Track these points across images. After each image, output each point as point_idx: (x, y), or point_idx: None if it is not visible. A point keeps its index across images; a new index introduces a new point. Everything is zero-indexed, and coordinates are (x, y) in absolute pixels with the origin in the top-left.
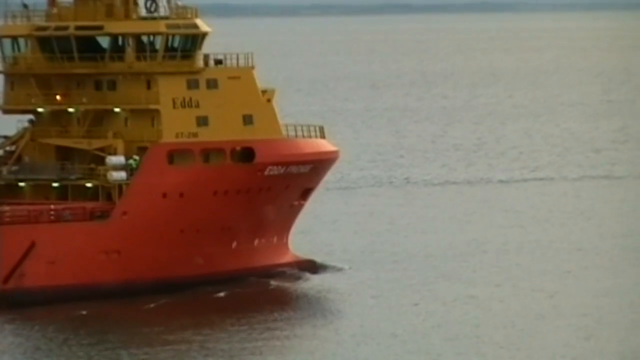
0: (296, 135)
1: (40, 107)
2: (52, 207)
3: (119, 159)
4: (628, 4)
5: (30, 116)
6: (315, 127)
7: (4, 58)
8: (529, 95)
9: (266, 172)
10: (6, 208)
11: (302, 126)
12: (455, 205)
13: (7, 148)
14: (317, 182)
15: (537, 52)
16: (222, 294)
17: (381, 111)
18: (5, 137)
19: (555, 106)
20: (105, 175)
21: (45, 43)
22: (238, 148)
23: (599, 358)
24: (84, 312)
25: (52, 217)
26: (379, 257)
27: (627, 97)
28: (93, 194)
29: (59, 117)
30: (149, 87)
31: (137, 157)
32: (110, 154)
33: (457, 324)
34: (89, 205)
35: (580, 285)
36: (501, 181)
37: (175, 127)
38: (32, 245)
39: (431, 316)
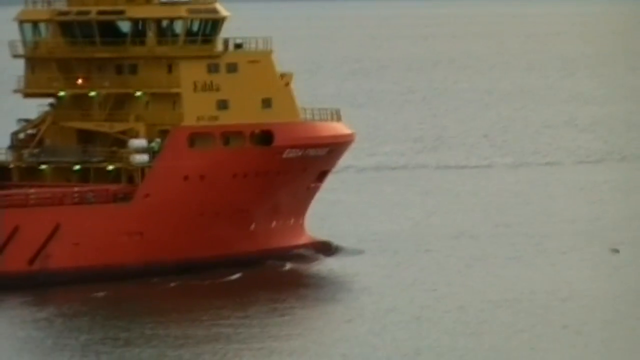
0: (313, 119)
1: (61, 91)
2: (76, 189)
3: (142, 142)
4: None
5: (51, 100)
6: (331, 110)
7: (24, 43)
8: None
9: (284, 155)
10: (31, 190)
11: (319, 109)
12: (472, 189)
13: (29, 131)
14: (333, 165)
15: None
16: (238, 275)
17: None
18: (27, 120)
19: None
20: (127, 158)
21: (66, 27)
22: (257, 131)
23: None
24: (102, 293)
25: (75, 200)
26: (395, 239)
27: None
28: (114, 177)
29: (80, 100)
30: (170, 71)
31: (158, 140)
32: (132, 137)
33: (474, 307)
34: (112, 187)
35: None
36: (509, 165)
37: (196, 111)
38: (57, 227)
39: (447, 299)
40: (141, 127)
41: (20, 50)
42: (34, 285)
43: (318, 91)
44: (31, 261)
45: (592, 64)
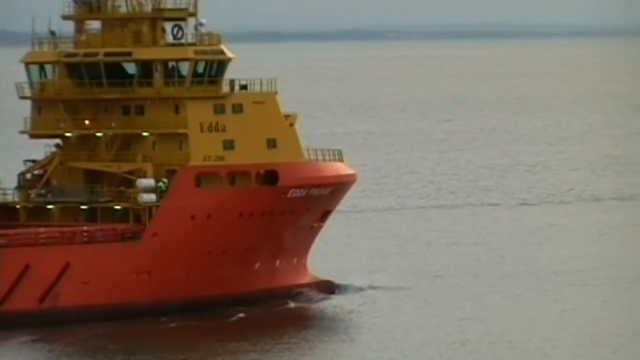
0: (316, 159)
1: (68, 131)
2: (85, 228)
3: (149, 182)
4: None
5: (57, 141)
6: (333, 150)
7: (31, 84)
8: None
9: (289, 195)
10: (41, 229)
11: (321, 149)
12: (472, 226)
13: (35, 172)
14: (335, 204)
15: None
16: (242, 315)
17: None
18: (33, 161)
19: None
20: (135, 198)
21: (74, 69)
22: (262, 171)
23: None
24: (110, 330)
25: (85, 239)
26: (397, 276)
27: None
28: (122, 216)
29: (86, 141)
30: (177, 111)
31: (165, 180)
32: (139, 177)
33: (478, 342)
34: (120, 227)
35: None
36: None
37: (202, 151)
38: (67, 265)
39: (452, 335)
40: (149, 167)
41: (27, 91)
42: (44, 323)
43: (319, 131)
44: (41, 299)
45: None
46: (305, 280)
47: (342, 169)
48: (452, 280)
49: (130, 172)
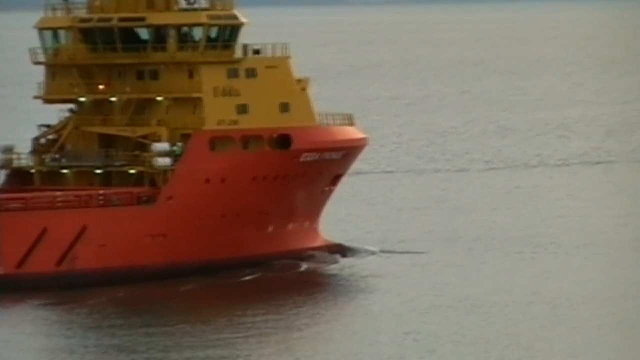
0: (328, 123)
1: (82, 96)
2: (101, 192)
3: (164, 146)
4: None
5: (71, 106)
6: (344, 114)
7: (45, 50)
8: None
9: (302, 159)
10: (57, 193)
11: (332, 114)
12: (486, 190)
13: (50, 137)
14: (347, 168)
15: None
16: (254, 276)
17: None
18: (47, 126)
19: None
20: (150, 162)
21: (88, 34)
22: (275, 135)
23: None
24: (121, 294)
25: (101, 202)
26: (408, 240)
27: None
28: (136, 180)
29: (101, 106)
30: (191, 76)
31: (180, 144)
32: (154, 141)
33: (487, 307)
34: (136, 190)
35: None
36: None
37: (216, 115)
38: (84, 229)
39: (460, 299)
40: (163, 131)
41: (41, 57)
42: (61, 286)
43: (332, 96)
44: (59, 262)
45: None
46: (317, 243)
47: (354, 133)
48: (465, 245)
49: (145, 137)
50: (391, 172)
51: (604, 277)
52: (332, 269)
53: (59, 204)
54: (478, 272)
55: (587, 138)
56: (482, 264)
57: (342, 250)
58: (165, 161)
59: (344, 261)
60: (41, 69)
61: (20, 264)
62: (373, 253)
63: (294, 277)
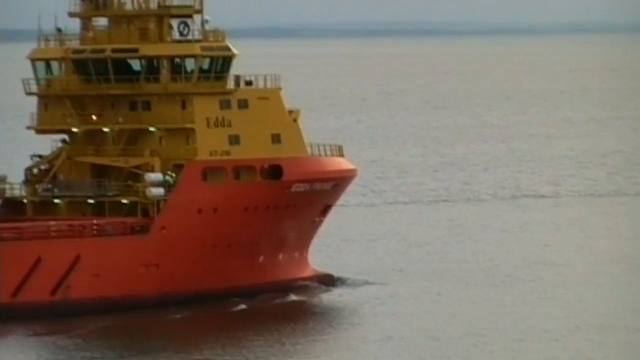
0: (318, 154)
1: (75, 127)
2: (95, 221)
3: (158, 176)
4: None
5: (63, 136)
6: (334, 146)
7: (37, 80)
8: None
9: (293, 189)
10: (52, 223)
11: (323, 145)
12: (468, 220)
13: (42, 167)
14: (336, 199)
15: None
16: (246, 307)
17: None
18: (40, 156)
19: None
20: (143, 192)
21: (81, 65)
22: (267, 166)
23: None
24: (113, 323)
25: (95, 232)
26: (396, 270)
27: None
28: (129, 210)
29: (93, 136)
30: (183, 107)
31: (172, 174)
32: (147, 171)
33: (477, 334)
34: (129, 220)
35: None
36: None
37: (209, 146)
38: (78, 258)
39: (449, 326)
40: (156, 162)
41: (34, 87)
42: (55, 315)
43: (321, 126)
44: (53, 291)
45: None
46: (306, 273)
47: (344, 164)
48: (451, 275)
49: (138, 167)
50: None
51: (562, 310)
52: (322, 299)
53: (53, 234)
54: (436, 303)
55: (534, 172)
56: (439, 295)
57: (331, 280)
58: (159, 191)
59: (334, 291)
60: (34, 99)
61: (15, 293)
62: (360, 283)
63: (283, 308)
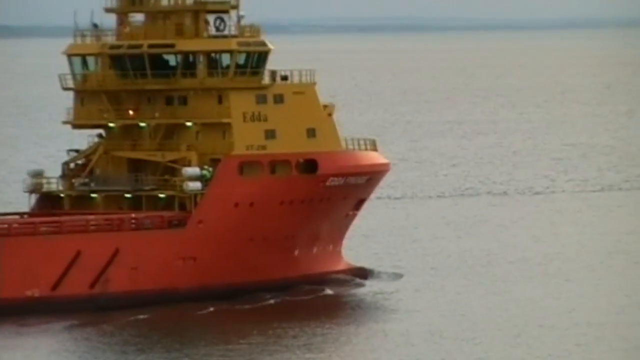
0: (352, 148)
1: (111, 122)
2: (133, 215)
3: (195, 170)
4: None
5: (99, 131)
6: (368, 140)
7: (74, 76)
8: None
9: (328, 183)
10: (90, 217)
11: (356, 139)
12: (505, 213)
13: (79, 161)
14: (370, 193)
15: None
16: (281, 301)
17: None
18: (76, 151)
19: None
20: (180, 186)
21: (118, 61)
22: (302, 160)
23: None
24: (150, 316)
25: (133, 226)
26: (429, 264)
27: None
28: (166, 204)
29: (130, 131)
30: (220, 101)
31: (209, 168)
32: (184, 165)
33: (513, 327)
34: (166, 214)
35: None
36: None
37: (245, 140)
38: (116, 252)
39: (483, 321)
40: (193, 156)
41: (70, 83)
42: (94, 308)
43: (356, 121)
44: (92, 285)
45: None
46: (340, 267)
47: (377, 158)
48: (482, 268)
49: (174, 161)
50: None
51: (578, 304)
52: (356, 292)
53: (92, 228)
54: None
55: (532, 168)
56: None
57: (365, 273)
58: (196, 185)
59: (368, 284)
60: (70, 94)
61: (55, 287)
62: (394, 276)
63: (317, 301)
